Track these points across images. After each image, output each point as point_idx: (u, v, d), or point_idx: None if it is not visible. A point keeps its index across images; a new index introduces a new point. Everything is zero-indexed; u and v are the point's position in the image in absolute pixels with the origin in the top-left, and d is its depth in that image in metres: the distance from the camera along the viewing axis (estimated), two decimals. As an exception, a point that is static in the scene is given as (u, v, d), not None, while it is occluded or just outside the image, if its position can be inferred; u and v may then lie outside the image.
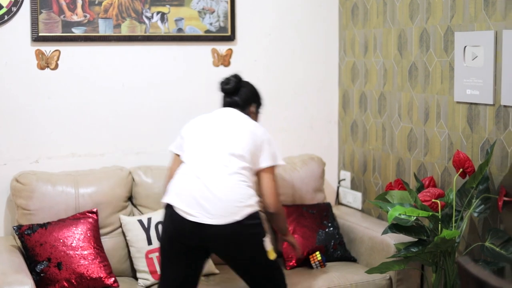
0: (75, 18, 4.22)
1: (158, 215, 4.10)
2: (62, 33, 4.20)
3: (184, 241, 3.47)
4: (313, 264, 4.20)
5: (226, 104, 3.79)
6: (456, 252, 3.69)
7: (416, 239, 3.77)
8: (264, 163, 3.60)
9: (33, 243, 3.78)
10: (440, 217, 3.65)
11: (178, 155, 3.75)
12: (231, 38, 4.60)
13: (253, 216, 3.44)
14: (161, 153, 4.46)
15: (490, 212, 3.67)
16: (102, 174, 4.17)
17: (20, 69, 4.15)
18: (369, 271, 3.88)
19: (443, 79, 4.00)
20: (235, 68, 4.63)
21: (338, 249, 4.35)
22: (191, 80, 4.55)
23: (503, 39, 3.57)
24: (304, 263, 4.24)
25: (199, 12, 4.51)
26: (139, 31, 4.37)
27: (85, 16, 4.24)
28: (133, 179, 4.23)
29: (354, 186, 4.84)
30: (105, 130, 4.36)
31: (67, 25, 4.21)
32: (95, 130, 4.34)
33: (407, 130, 4.30)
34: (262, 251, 3.48)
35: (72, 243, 3.81)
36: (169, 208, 3.51)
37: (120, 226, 4.11)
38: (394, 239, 4.05)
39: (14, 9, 4.09)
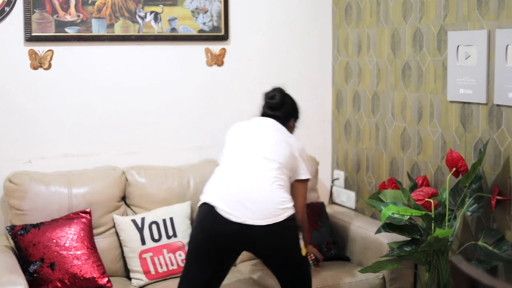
0: (68, 18, 4.21)
1: (151, 215, 4.10)
2: (55, 33, 4.19)
3: (221, 242, 3.51)
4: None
5: (267, 116, 3.88)
6: (449, 251, 3.69)
7: (409, 238, 3.77)
8: (303, 175, 3.76)
9: (26, 243, 3.77)
10: (433, 216, 3.65)
11: None
12: (224, 37, 4.60)
13: (292, 218, 3.54)
14: (154, 153, 4.47)
15: (483, 211, 3.67)
16: (95, 174, 4.16)
17: (13, 69, 4.14)
18: (363, 270, 3.88)
19: (436, 78, 4.01)
20: (228, 67, 4.63)
21: (332, 249, 4.35)
22: (184, 80, 4.55)
23: (496, 39, 3.58)
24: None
25: (193, 11, 4.50)
26: (133, 30, 4.37)
27: (78, 16, 4.23)
28: (127, 179, 4.22)
29: (347, 185, 4.85)
30: (98, 130, 4.35)
31: (60, 24, 4.20)
32: (88, 130, 4.33)
33: (401, 129, 4.30)
34: (298, 250, 3.59)
35: (65, 243, 3.80)
36: (209, 208, 3.53)
37: (114, 226, 4.11)
38: (388, 238, 4.06)
39: (7, 9, 4.08)
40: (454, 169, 3.65)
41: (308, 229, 4.12)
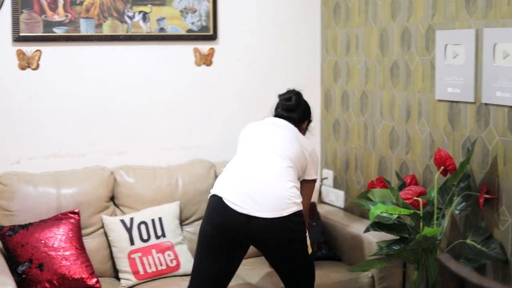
0: (56, 18, 4.20)
1: (140, 215, 4.10)
2: (44, 33, 4.18)
3: (228, 234, 3.52)
4: None
5: (281, 117, 3.92)
6: (437, 249, 3.70)
7: (398, 237, 3.78)
8: (313, 175, 3.81)
9: (15, 244, 3.76)
10: (421, 215, 3.66)
11: None
12: (213, 37, 4.60)
13: (299, 214, 3.55)
14: (143, 153, 4.46)
15: (471, 210, 3.68)
16: (83, 175, 4.15)
17: (0, 69, 4.12)
18: (352, 269, 3.89)
19: (424, 77, 4.02)
20: (217, 67, 4.63)
21: (322, 248, 4.35)
22: (173, 80, 4.54)
23: (484, 37, 3.59)
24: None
25: (181, 11, 4.50)
26: (121, 30, 4.36)
27: (67, 16, 4.22)
28: (115, 179, 4.21)
29: (336, 185, 4.85)
30: (86, 130, 4.34)
31: (49, 25, 4.19)
32: (77, 130, 4.32)
33: (389, 128, 4.31)
34: (304, 246, 3.59)
35: (53, 244, 3.79)
36: (217, 199, 3.56)
37: (102, 226, 4.10)
38: (376, 237, 4.06)
39: (-6, 9, 4.07)
40: (442, 167, 3.66)
41: (308, 227, 4.12)
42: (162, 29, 4.46)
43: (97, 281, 3.83)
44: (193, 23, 4.54)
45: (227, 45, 4.66)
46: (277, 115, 3.95)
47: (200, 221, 4.29)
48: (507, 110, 3.50)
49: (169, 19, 4.47)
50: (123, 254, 4.00)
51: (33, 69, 4.19)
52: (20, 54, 4.15)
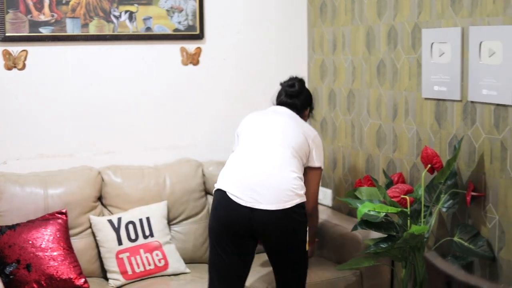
0: (42, 18, 4.19)
1: (128, 215, 4.09)
2: (29, 33, 4.17)
3: (232, 227, 3.53)
4: None
5: (284, 104, 3.92)
6: (425, 247, 3.71)
7: (386, 235, 3.78)
8: (317, 162, 3.80)
9: (2, 245, 3.75)
10: (409, 213, 3.67)
11: None
12: (199, 36, 4.59)
13: (301, 206, 3.56)
14: (130, 153, 4.46)
15: (459, 207, 3.69)
16: (71, 175, 4.14)
17: (-14, 69, 4.12)
18: (339, 267, 3.90)
19: (411, 75, 4.03)
20: (204, 67, 4.62)
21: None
22: (160, 79, 4.53)
23: (470, 36, 3.60)
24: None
25: (168, 10, 4.49)
26: (107, 30, 4.35)
27: (53, 16, 4.21)
28: (103, 179, 4.20)
29: (324, 183, 4.85)
30: (73, 130, 4.33)
31: (34, 24, 4.17)
32: (64, 130, 4.31)
33: (376, 126, 4.32)
34: (304, 240, 3.60)
35: (41, 244, 3.78)
36: (221, 193, 3.57)
37: (90, 227, 4.09)
38: (364, 235, 4.07)
39: (-20, 9, 4.05)
40: (429, 165, 3.67)
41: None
42: (148, 29, 4.45)
43: (85, 281, 3.83)
44: (179, 23, 4.53)
45: (214, 45, 4.65)
46: (280, 102, 3.94)
47: (188, 220, 4.32)
48: (493, 108, 3.51)
49: (155, 18, 4.47)
50: (111, 254, 4.00)
51: (19, 69, 4.18)
52: (6, 54, 4.13)
